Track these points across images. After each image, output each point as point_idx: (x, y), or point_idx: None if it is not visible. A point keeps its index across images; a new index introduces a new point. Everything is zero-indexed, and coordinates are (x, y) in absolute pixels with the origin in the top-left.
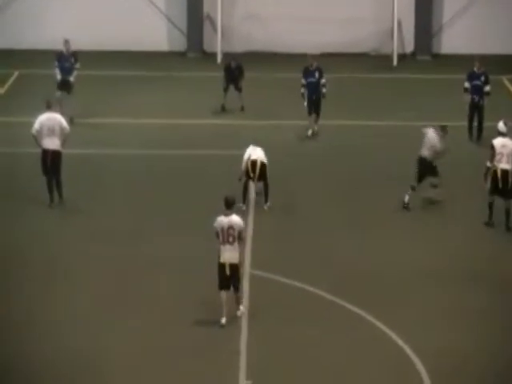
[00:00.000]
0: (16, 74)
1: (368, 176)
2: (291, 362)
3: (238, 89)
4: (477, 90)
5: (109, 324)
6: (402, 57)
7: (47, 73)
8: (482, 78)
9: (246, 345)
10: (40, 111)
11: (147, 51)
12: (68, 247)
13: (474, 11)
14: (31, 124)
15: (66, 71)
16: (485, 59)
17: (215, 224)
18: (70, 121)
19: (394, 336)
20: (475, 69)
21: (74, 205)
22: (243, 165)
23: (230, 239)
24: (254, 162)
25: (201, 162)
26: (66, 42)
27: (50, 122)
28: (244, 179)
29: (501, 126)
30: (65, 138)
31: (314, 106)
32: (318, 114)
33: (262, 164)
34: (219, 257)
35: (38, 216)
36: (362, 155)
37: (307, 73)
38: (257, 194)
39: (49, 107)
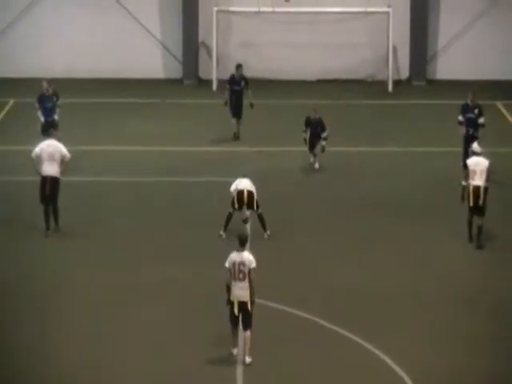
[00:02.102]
0: (11, 102)
1: (364, 201)
2: None
3: (240, 115)
4: (471, 123)
5: (109, 350)
6: (398, 83)
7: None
8: (476, 111)
9: (243, 371)
10: (35, 139)
11: (143, 78)
12: (65, 274)
13: (469, 37)
14: (27, 152)
15: (49, 111)
16: (479, 85)
17: (227, 261)
18: None
19: (389, 361)
20: (468, 101)
21: (70, 231)
22: (231, 200)
23: (241, 276)
24: (240, 192)
25: (197, 189)
26: (46, 82)
27: (50, 149)
28: (230, 209)
29: (475, 146)
30: (65, 166)
31: (315, 144)
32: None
33: (249, 192)
34: (229, 295)
35: (35, 243)
36: (358, 181)
37: (309, 123)
38: (244, 221)
39: (50, 135)
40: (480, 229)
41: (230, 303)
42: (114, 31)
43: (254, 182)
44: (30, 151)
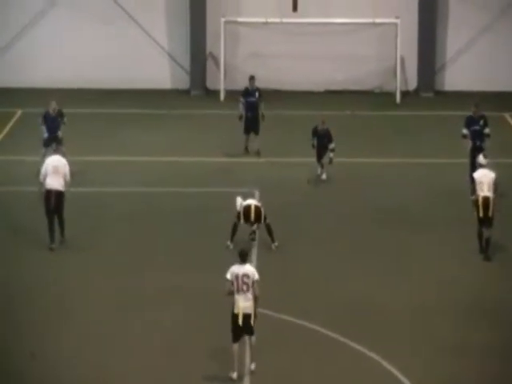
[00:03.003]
0: (19, 112)
1: (371, 213)
2: None
3: (257, 131)
4: (477, 135)
5: (113, 358)
6: (406, 94)
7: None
8: (481, 122)
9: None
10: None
11: (150, 89)
12: (69, 282)
13: (477, 48)
14: (34, 162)
15: (53, 129)
16: (486, 96)
17: (229, 273)
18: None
19: (394, 371)
20: (472, 114)
21: (74, 242)
22: (237, 213)
23: (245, 288)
24: (247, 207)
25: (204, 200)
26: (55, 103)
27: (55, 163)
28: (235, 220)
29: (481, 158)
30: (66, 184)
31: (323, 153)
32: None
33: (256, 207)
34: (233, 307)
35: (39, 253)
36: (365, 192)
37: (316, 133)
38: (251, 237)
39: (55, 150)
40: (488, 241)
41: (235, 315)
42: (122, 41)
43: (261, 192)
44: (37, 162)
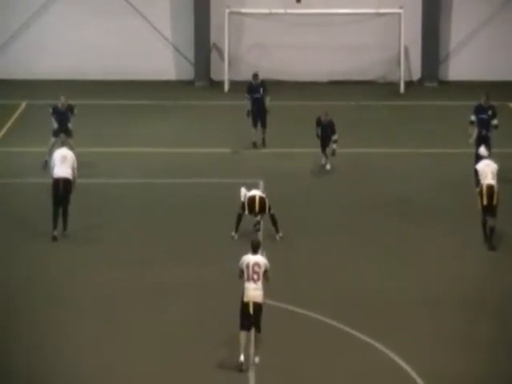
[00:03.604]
0: (24, 104)
1: (375, 202)
2: None
3: (264, 123)
4: (484, 124)
5: (118, 353)
6: (409, 84)
7: (56, 103)
8: (490, 112)
9: (255, 372)
10: (47, 141)
11: (155, 80)
12: (74, 275)
13: (481, 38)
14: (40, 154)
15: (62, 122)
16: (491, 85)
17: (240, 261)
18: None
19: (401, 362)
20: (482, 102)
21: (80, 234)
22: (241, 204)
23: (255, 277)
24: (252, 198)
25: (208, 191)
26: (64, 98)
27: (63, 154)
28: (240, 211)
29: (482, 150)
30: (74, 176)
31: (327, 143)
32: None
33: (261, 198)
34: (243, 295)
35: (44, 245)
36: (369, 182)
37: (320, 124)
38: (255, 227)
39: (63, 143)
40: (492, 230)
41: (245, 304)
42: (126, 33)
43: (265, 182)
44: (42, 152)
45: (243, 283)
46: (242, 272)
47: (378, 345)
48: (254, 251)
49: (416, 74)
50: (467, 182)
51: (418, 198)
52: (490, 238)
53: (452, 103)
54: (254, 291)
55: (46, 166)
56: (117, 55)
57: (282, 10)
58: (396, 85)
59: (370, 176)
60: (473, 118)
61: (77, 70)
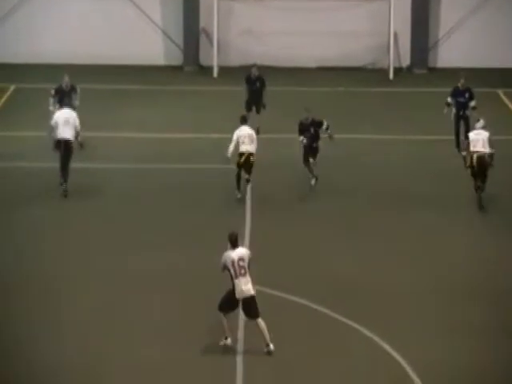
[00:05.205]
0: (12, 87)
1: (364, 190)
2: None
3: (259, 110)
4: (461, 106)
5: (107, 338)
6: (399, 70)
7: (44, 87)
8: (467, 95)
9: (243, 363)
10: (37, 125)
11: (143, 65)
12: (66, 261)
13: (470, 25)
14: (30, 138)
15: (66, 105)
16: (480, 72)
17: (223, 258)
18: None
19: (395, 355)
20: (459, 85)
21: (71, 217)
22: (231, 145)
23: (242, 271)
24: (241, 155)
25: (197, 176)
26: (65, 77)
27: (65, 115)
28: (237, 171)
29: (478, 124)
30: (77, 135)
31: (312, 152)
32: (314, 157)
33: (251, 155)
34: (233, 292)
35: (37, 231)
36: (359, 169)
37: (304, 127)
38: (247, 181)
39: (72, 90)
40: (480, 189)
41: (236, 299)
42: (115, 18)
43: (256, 169)
44: (33, 137)
45: (231, 280)
46: (225, 268)
47: (369, 333)
48: (234, 245)
49: (405, 61)
50: (456, 168)
51: (408, 184)
52: (480, 199)
53: (441, 90)
54: (244, 286)
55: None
56: (105, 40)
57: None
58: (385, 71)
59: (359, 163)
60: (449, 99)
61: (65, 55)
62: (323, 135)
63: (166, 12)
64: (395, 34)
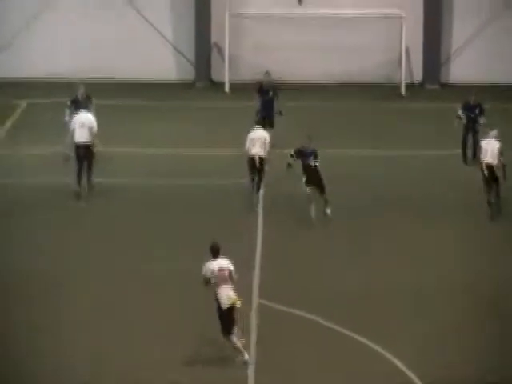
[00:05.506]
0: (25, 103)
1: (376, 203)
2: None
3: (272, 123)
4: (471, 120)
5: (112, 339)
6: (411, 86)
7: (56, 101)
8: (477, 110)
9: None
10: (50, 141)
11: (155, 81)
12: (71, 268)
13: (482, 40)
14: (42, 156)
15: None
16: (492, 88)
17: (204, 270)
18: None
19: (399, 364)
20: (471, 100)
21: (81, 230)
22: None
23: (223, 280)
24: (251, 159)
25: (210, 192)
26: (80, 88)
27: (82, 119)
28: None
29: (491, 133)
30: (94, 137)
31: (318, 187)
32: (323, 190)
33: (261, 159)
34: (219, 302)
35: (46, 244)
36: (370, 183)
37: (303, 155)
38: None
39: (87, 101)
40: (491, 202)
41: (225, 310)
42: (127, 34)
43: (268, 182)
44: (44, 154)
45: (213, 290)
46: (207, 280)
47: (380, 350)
48: (215, 256)
49: (417, 76)
50: (466, 181)
51: (419, 197)
52: (490, 208)
53: (453, 105)
54: (227, 292)
55: (68, 157)
56: (118, 55)
57: (283, 12)
58: (397, 87)
59: (370, 177)
60: (460, 112)
61: (77, 70)
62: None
63: (177, 28)
64: (407, 50)
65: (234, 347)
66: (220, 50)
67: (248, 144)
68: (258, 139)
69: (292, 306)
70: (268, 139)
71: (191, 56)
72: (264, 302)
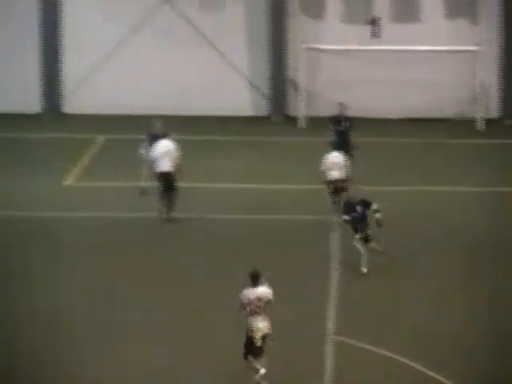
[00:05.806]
0: (102, 138)
1: (451, 242)
2: None
3: (349, 153)
4: None
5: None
6: (487, 122)
7: (133, 137)
8: None
9: None
10: (125, 175)
11: (231, 116)
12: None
13: None
14: (120, 188)
15: None
16: None
17: (242, 295)
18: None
19: None
20: None
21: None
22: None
23: (258, 310)
24: (329, 182)
25: (287, 227)
26: (157, 123)
27: (163, 149)
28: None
29: None
30: (177, 166)
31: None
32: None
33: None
34: (249, 330)
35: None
36: (447, 221)
37: (350, 206)
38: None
39: (165, 136)
40: None
41: (252, 338)
42: (202, 68)
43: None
44: (121, 187)
45: (247, 317)
46: (242, 305)
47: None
48: (254, 283)
49: (494, 112)
50: None
51: (499, 237)
52: None
53: None
54: (261, 323)
55: (145, 191)
56: (193, 91)
57: (358, 47)
58: (473, 122)
59: (445, 215)
60: None
61: (151, 105)
62: (372, 217)
63: (252, 62)
64: (483, 84)
65: (251, 366)
66: (295, 85)
67: (325, 167)
68: (333, 163)
69: (367, 343)
70: (343, 162)
71: (266, 91)
72: (339, 337)
